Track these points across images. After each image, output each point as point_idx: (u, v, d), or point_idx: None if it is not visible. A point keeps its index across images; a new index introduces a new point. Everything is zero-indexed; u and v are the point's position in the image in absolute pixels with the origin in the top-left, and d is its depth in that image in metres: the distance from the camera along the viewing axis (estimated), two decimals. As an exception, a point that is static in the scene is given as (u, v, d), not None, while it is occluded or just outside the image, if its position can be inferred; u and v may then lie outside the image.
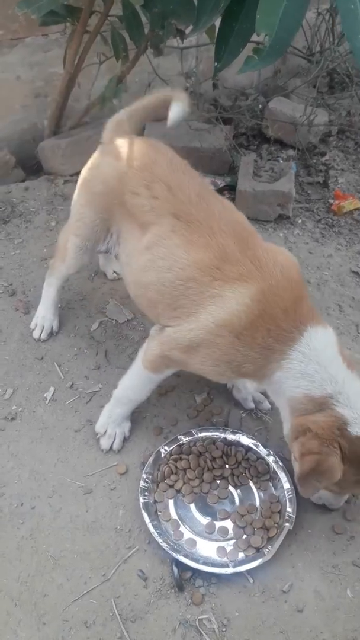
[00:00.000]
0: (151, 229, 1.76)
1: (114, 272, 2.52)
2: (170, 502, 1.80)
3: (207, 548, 1.70)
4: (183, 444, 1.92)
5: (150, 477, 1.82)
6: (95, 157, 2.00)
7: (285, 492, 1.79)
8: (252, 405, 2.08)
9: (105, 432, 1.94)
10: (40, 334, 2.26)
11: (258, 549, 1.68)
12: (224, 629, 1.56)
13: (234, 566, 1.64)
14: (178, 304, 1.69)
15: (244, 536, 1.71)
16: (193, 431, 1.95)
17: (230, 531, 1.74)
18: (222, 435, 1.94)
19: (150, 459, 1.86)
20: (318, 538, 1.75)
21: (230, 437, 1.94)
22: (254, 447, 1.91)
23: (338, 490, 1.66)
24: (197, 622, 1.57)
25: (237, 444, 1.92)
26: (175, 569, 1.63)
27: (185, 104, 1.98)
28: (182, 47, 3.04)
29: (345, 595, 1.64)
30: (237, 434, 1.94)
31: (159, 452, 1.89)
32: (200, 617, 1.58)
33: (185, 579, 1.64)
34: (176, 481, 1.83)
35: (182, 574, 1.64)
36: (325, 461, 1.49)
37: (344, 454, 1.50)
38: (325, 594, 1.63)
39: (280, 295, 1.57)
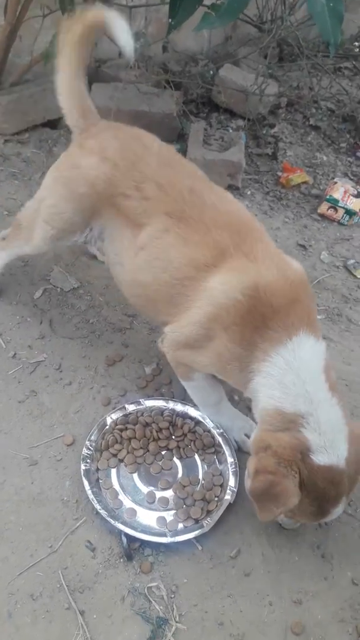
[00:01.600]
0: (145, 229, 1.69)
1: None
2: (113, 470, 1.78)
3: (147, 517, 1.69)
4: (130, 413, 1.89)
5: (93, 445, 1.79)
6: (73, 153, 1.84)
7: (229, 465, 1.79)
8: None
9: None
10: None
11: (197, 520, 1.69)
12: (172, 596, 1.57)
13: (172, 536, 1.64)
14: (176, 301, 1.64)
15: (184, 507, 1.71)
16: (141, 400, 1.92)
17: (171, 501, 1.73)
18: (171, 406, 1.93)
19: (95, 427, 1.83)
20: (264, 504, 1.78)
21: (179, 408, 1.92)
22: (202, 420, 1.90)
23: (291, 517, 1.54)
24: (146, 590, 1.57)
25: (185, 415, 1.91)
26: (124, 539, 1.61)
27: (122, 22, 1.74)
28: (131, 5, 2.92)
29: (291, 558, 1.68)
30: (186, 406, 1.93)
31: (104, 421, 1.85)
32: (149, 585, 1.57)
33: (134, 548, 1.63)
34: (120, 450, 1.81)
35: (131, 543, 1.62)
36: (279, 483, 1.37)
37: (302, 480, 1.38)
38: (272, 558, 1.67)
39: (273, 292, 1.48)
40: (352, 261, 2.66)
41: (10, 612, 1.49)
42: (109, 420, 1.86)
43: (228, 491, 1.73)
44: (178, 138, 3.04)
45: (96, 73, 3.17)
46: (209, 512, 1.70)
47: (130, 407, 1.90)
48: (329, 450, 1.39)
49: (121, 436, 1.83)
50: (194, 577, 1.61)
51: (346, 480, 1.41)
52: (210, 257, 1.58)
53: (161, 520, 1.69)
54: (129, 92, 2.98)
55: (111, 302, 2.26)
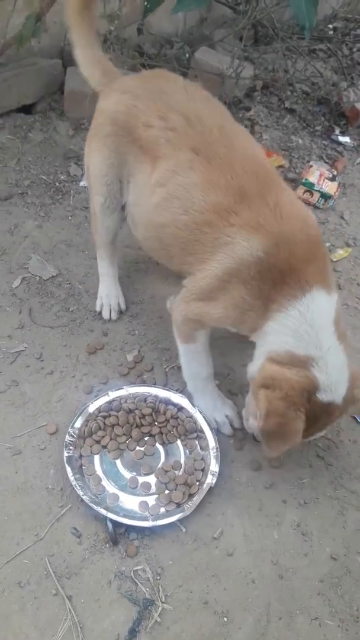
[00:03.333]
0: (164, 163, 1.64)
1: None
2: (96, 457, 1.80)
3: (129, 502, 1.72)
4: (113, 400, 1.91)
5: (76, 432, 1.81)
6: (100, 104, 1.87)
7: (211, 450, 1.82)
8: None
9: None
10: None
11: (179, 504, 1.72)
12: (158, 577, 1.61)
13: (154, 520, 1.68)
14: (192, 249, 1.63)
15: (166, 491, 1.75)
16: (124, 387, 1.94)
17: (153, 486, 1.76)
18: (154, 392, 1.95)
19: (79, 415, 1.84)
20: (246, 486, 1.82)
21: (162, 394, 1.94)
22: (184, 406, 1.92)
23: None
24: (132, 573, 1.60)
25: (168, 402, 1.93)
26: (109, 524, 1.64)
27: None
28: (105, -14, 2.86)
29: (272, 537, 1.73)
30: (169, 392, 1.95)
31: (87, 408, 1.87)
32: (135, 568, 1.61)
33: (120, 533, 1.66)
34: (103, 437, 1.83)
35: (116, 528, 1.65)
36: (289, 425, 1.49)
37: (306, 415, 1.50)
38: (254, 537, 1.72)
39: (293, 250, 1.53)
40: (327, 244, 2.69)
41: (-2, 600, 1.52)
42: (92, 408, 1.87)
43: (209, 475, 1.77)
44: (154, 122, 3.01)
45: (71, 56, 3.12)
46: (190, 496, 1.74)
47: (114, 394, 1.92)
48: (333, 390, 1.52)
49: (104, 423, 1.85)
50: (178, 559, 1.65)
51: (337, 413, 1.57)
52: (234, 204, 1.56)
53: (143, 504, 1.72)
54: (104, 75, 2.93)
55: (91, 290, 2.26)
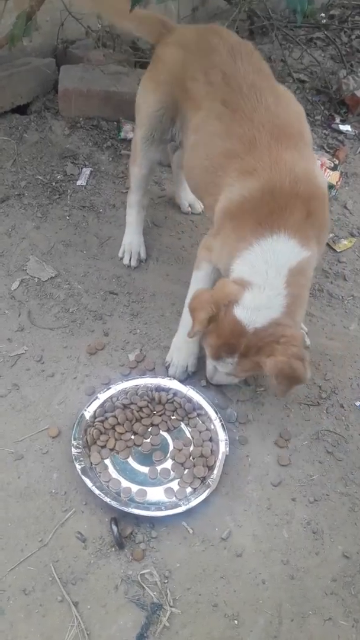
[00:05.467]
0: (201, 113, 1.85)
1: (189, 205, 2.58)
2: (107, 461, 1.76)
3: (154, 493, 1.71)
4: (105, 401, 1.87)
5: (80, 442, 1.77)
6: (158, 51, 2.05)
7: (214, 421, 1.83)
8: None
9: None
10: None
11: (203, 480, 1.71)
12: (165, 581, 1.57)
13: (185, 504, 1.67)
14: (212, 190, 1.81)
15: (186, 471, 1.74)
16: (112, 386, 1.91)
17: (172, 471, 1.75)
18: (142, 383, 1.93)
19: (75, 425, 1.80)
20: (253, 485, 1.78)
21: (151, 382, 1.93)
22: (176, 387, 1.92)
23: (207, 350, 1.77)
24: (139, 577, 1.57)
25: (160, 388, 1.93)
26: (114, 528, 1.60)
27: None
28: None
29: (281, 536, 1.69)
30: (156, 379, 1.94)
31: (82, 416, 1.83)
32: (141, 572, 1.58)
33: (125, 536, 1.63)
34: (107, 440, 1.80)
35: (122, 531, 1.62)
36: (196, 310, 1.67)
37: (217, 318, 1.63)
38: (263, 537, 1.68)
39: (275, 198, 1.63)
40: (331, 235, 2.64)
41: (2, 609, 1.49)
42: (87, 415, 1.83)
43: (222, 443, 1.78)
44: (151, 118, 2.97)
45: (64, 54, 3.09)
46: (210, 469, 1.74)
47: (103, 396, 1.88)
48: (248, 313, 1.60)
49: (104, 427, 1.82)
50: (186, 561, 1.61)
51: (244, 342, 1.62)
52: (243, 151, 1.71)
53: (169, 491, 1.71)
54: (99, 72, 2.90)
55: (90, 290, 2.22)
